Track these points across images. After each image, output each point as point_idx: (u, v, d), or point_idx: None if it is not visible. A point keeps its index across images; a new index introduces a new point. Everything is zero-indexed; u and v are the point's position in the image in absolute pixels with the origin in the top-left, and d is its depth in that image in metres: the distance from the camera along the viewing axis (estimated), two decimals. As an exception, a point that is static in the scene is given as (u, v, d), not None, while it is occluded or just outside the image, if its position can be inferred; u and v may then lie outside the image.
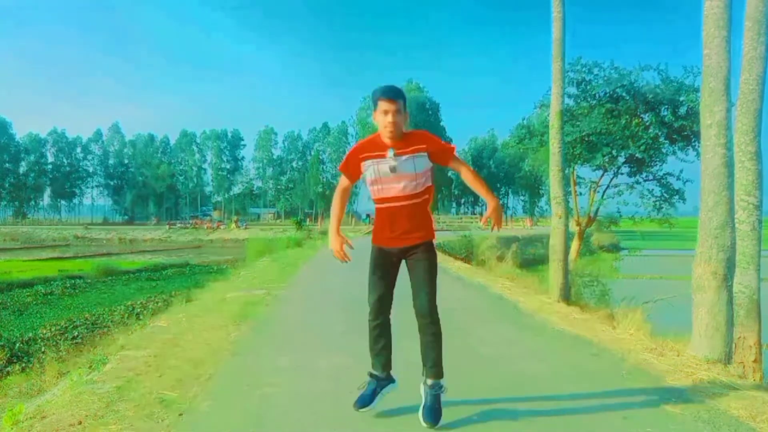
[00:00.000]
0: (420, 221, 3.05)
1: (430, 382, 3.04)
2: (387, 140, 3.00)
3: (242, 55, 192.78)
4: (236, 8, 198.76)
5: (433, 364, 3.03)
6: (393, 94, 2.94)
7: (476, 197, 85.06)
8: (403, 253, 3.09)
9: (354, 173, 3.12)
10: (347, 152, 3.18)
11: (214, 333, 5.40)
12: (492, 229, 3.09)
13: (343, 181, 3.21)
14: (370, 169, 3.02)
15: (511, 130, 19.91)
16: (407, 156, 2.98)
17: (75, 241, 53.61)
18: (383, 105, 2.94)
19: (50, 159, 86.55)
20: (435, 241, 3.16)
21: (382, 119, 2.96)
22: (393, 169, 2.97)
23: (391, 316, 3.17)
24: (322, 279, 11.06)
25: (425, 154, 3.00)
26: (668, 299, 8.83)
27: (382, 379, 3.20)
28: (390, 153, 2.97)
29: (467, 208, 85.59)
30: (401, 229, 3.03)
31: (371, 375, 3.20)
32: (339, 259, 3.12)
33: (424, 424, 2.91)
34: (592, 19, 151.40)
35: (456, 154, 3.09)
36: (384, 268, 3.12)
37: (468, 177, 3.09)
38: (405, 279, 3.20)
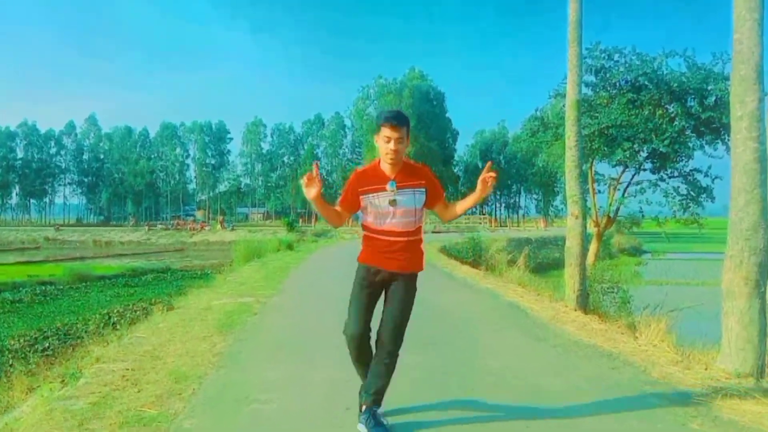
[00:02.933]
0: (414, 256, 3.17)
1: (365, 408, 3.13)
2: (385, 167, 3.10)
3: (227, 42, 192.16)
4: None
5: (378, 392, 3.14)
6: (397, 120, 3.04)
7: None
8: (391, 279, 3.17)
9: (353, 206, 3.18)
10: (347, 182, 3.25)
11: (198, 344, 5.40)
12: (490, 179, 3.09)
13: (338, 208, 3.23)
14: (368, 202, 3.11)
15: (523, 122, 19.97)
16: (409, 189, 3.09)
17: (46, 244, 53.55)
18: (386, 131, 3.04)
19: (19, 154, 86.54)
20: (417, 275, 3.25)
21: (384, 146, 3.05)
22: (393, 203, 3.07)
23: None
24: (315, 285, 11.07)
25: (424, 190, 3.13)
26: (695, 307, 8.82)
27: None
28: (390, 186, 3.06)
29: (475, 207, 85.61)
30: (393, 257, 3.13)
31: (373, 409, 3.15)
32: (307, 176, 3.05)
33: None
34: (610, 8, 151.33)
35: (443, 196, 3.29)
36: (370, 292, 3.18)
37: (459, 206, 3.28)
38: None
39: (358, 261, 3.24)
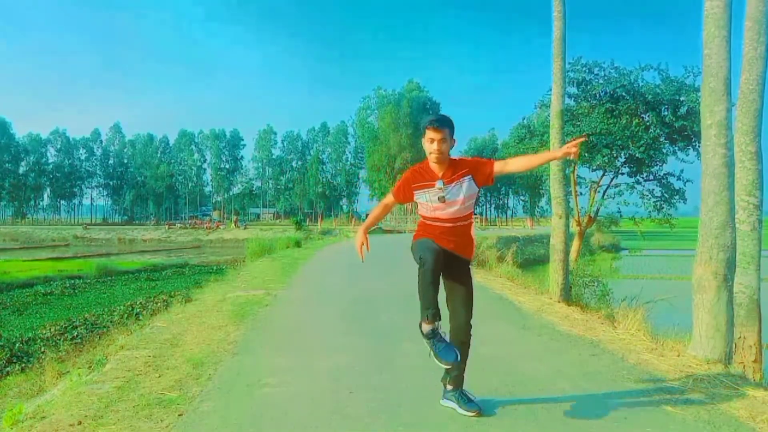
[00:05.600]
0: (464, 240, 3.23)
1: (451, 388, 3.24)
2: (434, 167, 3.15)
3: (240, 56, 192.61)
4: (233, 9, 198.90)
5: (459, 374, 3.23)
6: (439, 123, 3.07)
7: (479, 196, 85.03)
8: (447, 258, 3.12)
9: (406, 198, 3.29)
10: (400, 179, 3.32)
11: (214, 333, 5.40)
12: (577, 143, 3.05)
13: (389, 199, 3.39)
14: (422, 196, 3.19)
15: (511, 130, 19.93)
16: (455, 183, 3.12)
17: (74, 241, 53.52)
18: (430, 133, 3.08)
19: (50, 159, 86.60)
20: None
21: (429, 146, 3.10)
22: (442, 199, 3.13)
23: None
24: (322, 279, 11.06)
25: (470, 176, 3.14)
26: (668, 299, 8.82)
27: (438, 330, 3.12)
28: (439, 184, 3.12)
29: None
30: (447, 241, 3.17)
31: (433, 331, 3.07)
32: (358, 252, 3.21)
33: (469, 414, 3.10)
34: (592, 27, 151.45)
35: (495, 162, 3.18)
36: (436, 245, 3.09)
37: (521, 162, 3.18)
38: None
39: (414, 239, 3.23)
